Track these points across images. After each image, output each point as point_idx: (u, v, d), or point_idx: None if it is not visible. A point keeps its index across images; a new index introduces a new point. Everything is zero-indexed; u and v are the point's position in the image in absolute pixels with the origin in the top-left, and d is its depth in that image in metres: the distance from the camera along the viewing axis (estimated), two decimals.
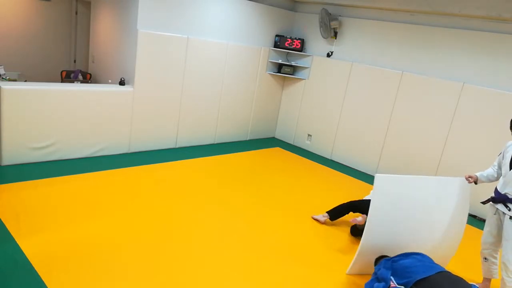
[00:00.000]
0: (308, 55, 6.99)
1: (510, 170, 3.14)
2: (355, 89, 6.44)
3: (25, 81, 6.09)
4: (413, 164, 5.81)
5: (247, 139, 7.26)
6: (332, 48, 6.79)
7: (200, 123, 6.27)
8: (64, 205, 3.77)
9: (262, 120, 7.37)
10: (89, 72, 6.58)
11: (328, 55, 6.81)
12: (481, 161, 4.79)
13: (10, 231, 3.21)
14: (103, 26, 6.05)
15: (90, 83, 6.36)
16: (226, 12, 6.04)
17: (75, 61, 7.45)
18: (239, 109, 6.83)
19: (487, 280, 3.49)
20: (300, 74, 7.18)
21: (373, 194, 3.28)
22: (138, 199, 4.17)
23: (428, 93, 5.63)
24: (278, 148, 7.06)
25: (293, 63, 7.11)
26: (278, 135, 7.74)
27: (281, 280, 3.19)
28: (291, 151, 6.98)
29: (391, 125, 6.08)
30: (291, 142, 7.47)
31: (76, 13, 7.25)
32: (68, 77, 6.50)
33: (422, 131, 5.73)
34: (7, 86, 4.30)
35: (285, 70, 7.11)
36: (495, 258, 3.39)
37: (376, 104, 6.20)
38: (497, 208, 3.23)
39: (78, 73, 6.45)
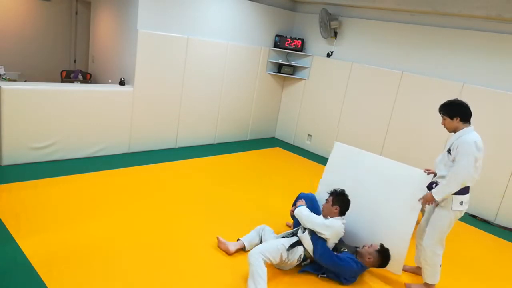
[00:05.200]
0: (308, 55, 6.99)
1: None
2: (355, 89, 6.44)
3: (25, 81, 6.09)
4: (413, 164, 5.78)
5: (247, 139, 7.26)
6: (332, 48, 6.79)
7: (200, 123, 6.27)
8: (64, 205, 3.78)
9: (262, 120, 7.37)
10: (89, 72, 6.59)
11: (328, 55, 6.81)
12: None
13: (10, 231, 3.21)
14: (103, 26, 6.05)
15: (90, 83, 6.36)
16: (226, 12, 6.04)
17: (75, 61, 7.45)
18: (239, 109, 6.83)
19: (418, 269, 3.49)
20: (300, 74, 7.17)
21: (329, 158, 4.08)
22: (138, 199, 4.17)
23: (428, 93, 5.63)
24: (278, 148, 7.06)
25: (293, 63, 7.11)
26: (278, 135, 7.74)
27: (281, 278, 3.19)
28: (291, 151, 6.98)
29: (391, 125, 6.08)
30: (291, 142, 7.47)
31: (76, 13, 7.25)
32: (68, 77, 6.50)
33: (422, 131, 5.73)
34: (7, 86, 4.30)
35: (285, 70, 7.11)
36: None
37: (376, 104, 6.20)
38: None
39: (78, 73, 6.45)
